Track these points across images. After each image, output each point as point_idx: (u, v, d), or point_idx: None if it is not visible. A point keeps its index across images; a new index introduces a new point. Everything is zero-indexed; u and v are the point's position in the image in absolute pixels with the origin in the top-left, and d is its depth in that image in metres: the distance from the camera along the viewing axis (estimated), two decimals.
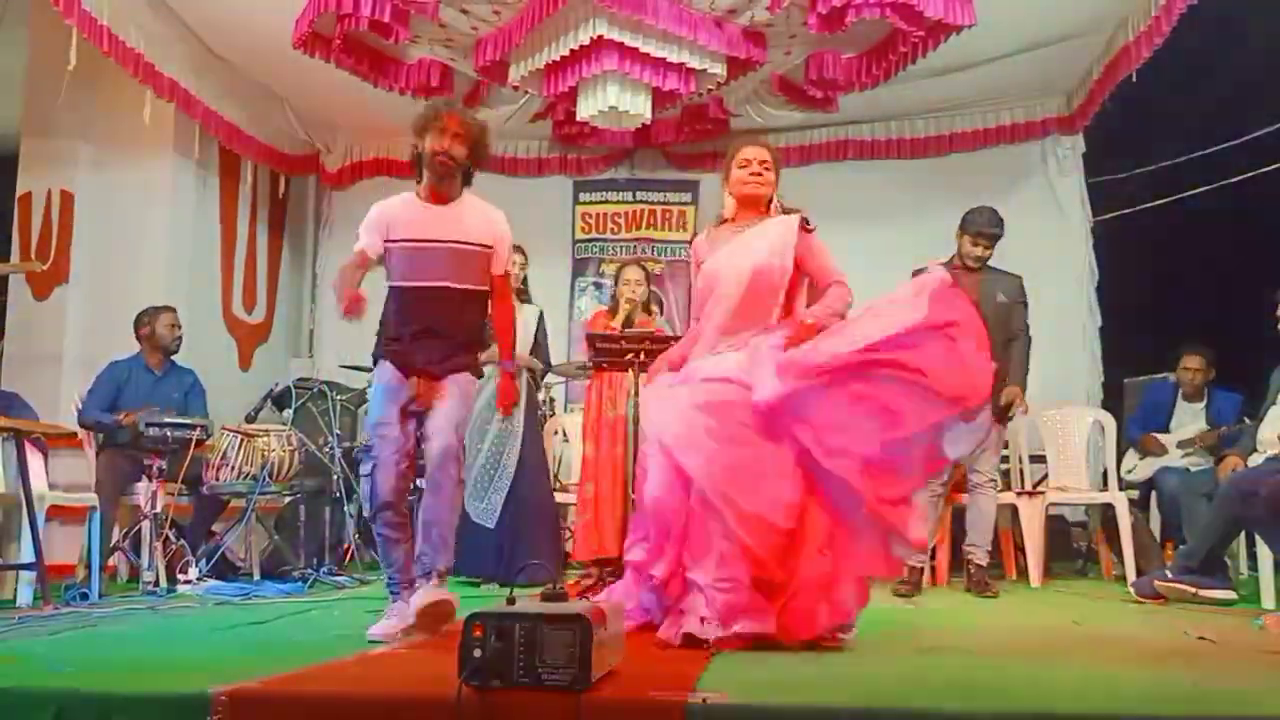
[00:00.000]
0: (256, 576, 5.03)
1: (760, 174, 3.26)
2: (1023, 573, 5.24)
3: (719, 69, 5.52)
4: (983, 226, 4.75)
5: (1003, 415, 4.76)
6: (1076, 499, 5.56)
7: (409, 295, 3.30)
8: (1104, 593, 4.73)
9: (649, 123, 5.89)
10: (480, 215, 3.38)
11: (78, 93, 5.70)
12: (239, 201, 6.87)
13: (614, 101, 5.40)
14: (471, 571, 4.73)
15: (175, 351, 5.37)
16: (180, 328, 5.37)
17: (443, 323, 3.30)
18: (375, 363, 3.39)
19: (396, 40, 5.38)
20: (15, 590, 4.19)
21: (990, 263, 4.83)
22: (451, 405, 3.25)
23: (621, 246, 7.34)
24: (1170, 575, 4.16)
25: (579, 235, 7.48)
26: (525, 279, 5.17)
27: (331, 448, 5.40)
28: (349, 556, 5.58)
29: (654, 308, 5.30)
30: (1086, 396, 6.63)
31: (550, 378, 5.73)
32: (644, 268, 5.26)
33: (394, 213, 3.32)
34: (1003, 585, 4.94)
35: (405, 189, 3.46)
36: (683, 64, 5.36)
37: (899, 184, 6.90)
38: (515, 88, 6.02)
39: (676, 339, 4.82)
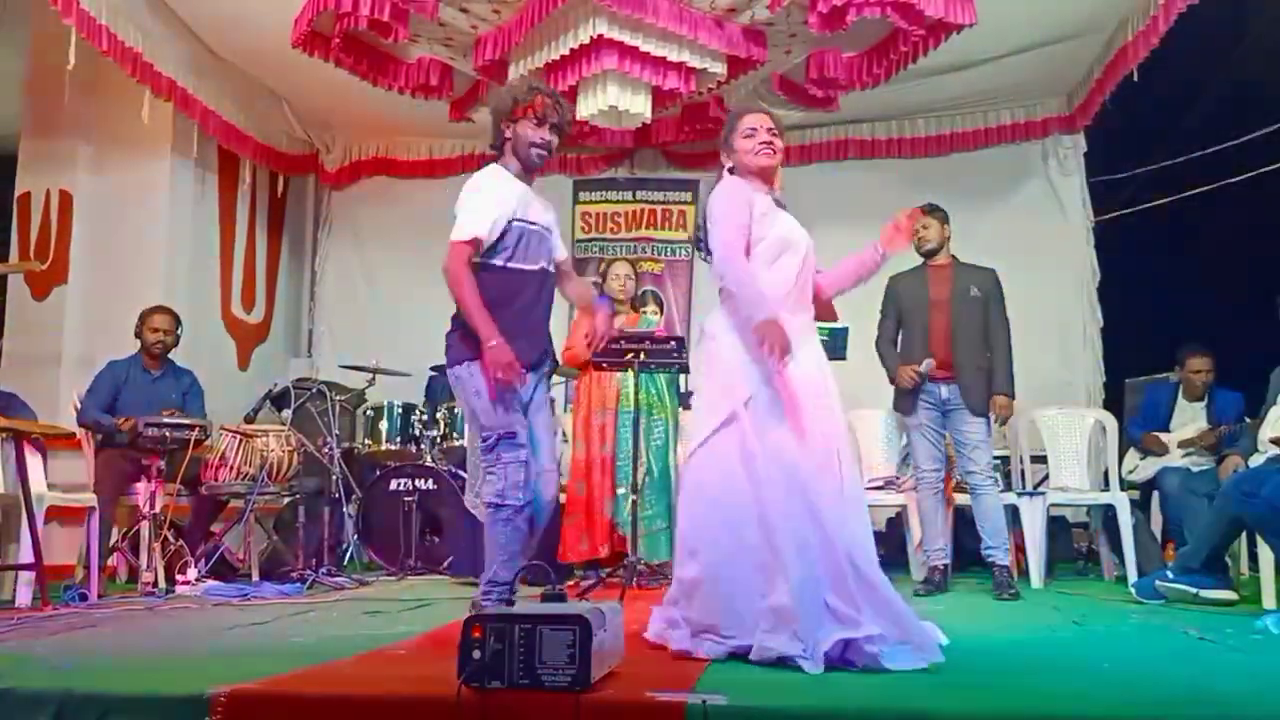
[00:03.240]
0: (255, 577, 5.02)
1: (770, 141, 2.99)
2: (1024, 573, 5.23)
3: (719, 68, 5.51)
4: None
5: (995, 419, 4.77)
6: (1077, 499, 5.53)
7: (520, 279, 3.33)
8: (1105, 593, 4.72)
9: (649, 122, 5.88)
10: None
11: (78, 93, 5.69)
12: (238, 201, 6.85)
13: (614, 101, 5.38)
14: (473, 571, 4.72)
15: (167, 351, 5.30)
16: (166, 330, 5.26)
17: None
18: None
19: (396, 39, 5.37)
20: (15, 590, 4.18)
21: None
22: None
23: (621, 246, 7.30)
24: (1171, 575, 4.16)
25: (579, 235, 7.45)
26: None
27: (330, 448, 5.39)
28: (347, 557, 5.58)
29: (654, 305, 5.30)
30: (1087, 396, 6.62)
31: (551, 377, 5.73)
32: (631, 264, 5.26)
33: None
34: None
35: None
36: (683, 63, 5.35)
37: (899, 184, 6.88)
38: None
39: (677, 338, 4.84)
